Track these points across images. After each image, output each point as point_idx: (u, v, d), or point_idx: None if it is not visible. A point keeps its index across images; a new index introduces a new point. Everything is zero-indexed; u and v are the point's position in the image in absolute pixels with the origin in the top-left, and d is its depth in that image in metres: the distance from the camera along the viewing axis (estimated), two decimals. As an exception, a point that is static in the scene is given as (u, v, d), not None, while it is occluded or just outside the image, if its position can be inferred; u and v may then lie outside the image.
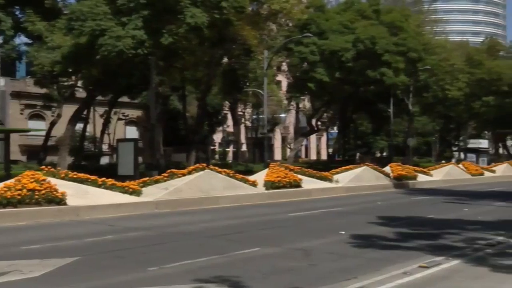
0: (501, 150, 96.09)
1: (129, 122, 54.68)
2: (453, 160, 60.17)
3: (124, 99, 45.73)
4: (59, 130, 38.36)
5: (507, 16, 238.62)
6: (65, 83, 38.21)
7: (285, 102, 61.42)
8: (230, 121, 59.76)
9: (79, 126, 40.75)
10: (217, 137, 65.19)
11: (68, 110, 38.21)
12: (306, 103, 65.79)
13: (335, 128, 72.14)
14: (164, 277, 9.38)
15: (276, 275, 9.64)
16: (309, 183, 27.44)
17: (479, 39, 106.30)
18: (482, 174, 44.87)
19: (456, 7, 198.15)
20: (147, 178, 22.28)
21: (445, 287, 8.77)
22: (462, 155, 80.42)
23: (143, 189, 20.72)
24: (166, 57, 32.45)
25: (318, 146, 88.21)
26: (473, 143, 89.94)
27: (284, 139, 78.95)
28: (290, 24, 44.66)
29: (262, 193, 24.25)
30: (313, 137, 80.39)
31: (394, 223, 16.58)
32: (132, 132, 54.96)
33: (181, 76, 40.66)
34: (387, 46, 41.67)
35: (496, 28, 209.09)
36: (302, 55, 41.58)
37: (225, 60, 42.99)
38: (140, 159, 34.21)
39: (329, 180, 29.49)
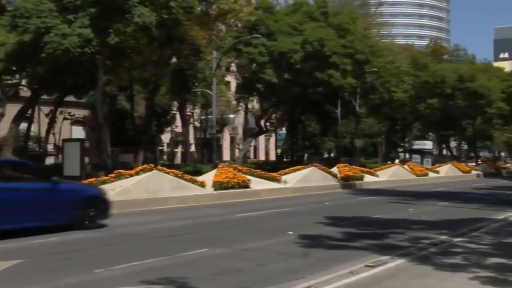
0: (445, 151, 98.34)
1: (76, 122, 53.69)
2: (396, 161, 61.26)
3: (71, 98, 44.93)
4: (3, 129, 37.39)
5: (451, 21, 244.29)
6: (9, 82, 37.28)
7: (234, 102, 61.45)
8: (178, 122, 59.45)
9: (24, 125, 39.84)
10: (166, 137, 64.71)
11: (12, 109, 37.26)
12: (255, 104, 65.98)
13: (284, 129, 72.57)
14: (110, 279, 9.26)
15: (224, 275, 9.64)
16: (258, 184, 27.52)
17: (424, 42, 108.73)
18: (426, 174, 45.83)
19: (401, 11, 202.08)
20: (94, 179, 21.96)
21: (390, 286, 8.92)
22: (407, 156, 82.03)
23: (90, 190, 20.40)
24: (113, 56, 32.05)
25: (267, 146, 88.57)
26: (418, 144, 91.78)
27: (232, 140, 78.99)
28: (239, 25, 44.70)
29: (210, 194, 24.21)
30: (261, 138, 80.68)
31: (342, 223, 16.78)
32: (79, 132, 53.98)
33: (129, 76, 40.22)
34: (335, 48, 42.16)
35: (440, 32, 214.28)
36: (251, 56, 41.70)
37: (174, 60, 42.73)
38: (86, 159, 33.67)
39: (278, 180, 29.64)
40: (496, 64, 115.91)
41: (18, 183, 14.11)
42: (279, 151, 68.03)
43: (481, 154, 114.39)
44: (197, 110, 62.04)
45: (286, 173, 31.08)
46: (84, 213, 15.02)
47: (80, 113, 53.07)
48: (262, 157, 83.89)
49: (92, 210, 15.23)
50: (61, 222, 14.53)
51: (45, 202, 14.25)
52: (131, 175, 22.01)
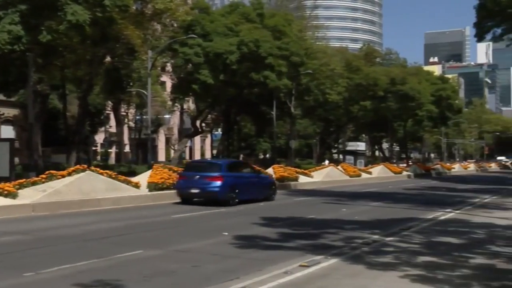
0: (377, 153, 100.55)
1: (5, 121, 52.22)
2: (326, 162, 62.07)
3: (0, 97, 43.70)
4: None
5: (384, 25, 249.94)
6: None
7: (169, 103, 61.08)
8: (113, 121, 58.62)
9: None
10: (99, 137, 63.70)
11: None
12: (190, 104, 65.72)
13: (220, 129, 72.56)
14: (41, 282, 9.03)
15: (158, 277, 9.56)
16: (193, 185, 27.38)
17: (358, 45, 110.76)
18: (359, 175, 46.63)
19: (336, 14, 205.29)
20: (24, 179, 21.35)
21: (323, 285, 9.03)
22: (341, 157, 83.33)
23: (19, 191, 19.85)
24: (45, 54, 31.30)
25: (203, 147, 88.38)
26: (352, 146, 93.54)
27: (168, 140, 78.46)
28: (175, 25, 44.40)
29: (145, 195, 23.93)
30: (197, 139, 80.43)
31: (276, 224, 16.89)
32: (8, 131, 52.45)
33: (61, 74, 39.37)
34: (271, 49, 42.42)
35: (373, 36, 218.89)
36: (187, 57, 41.48)
37: (108, 59, 42.09)
38: (16, 160, 32.78)
39: (213, 181, 29.56)
40: (426, 68, 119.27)
41: (247, 173, 25.63)
42: (215, 152, 67.99)
43: (412, 155, 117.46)
44: (132, 110, 61.34)
45: (221, 174, 31.00)
46: (270, 192, 26.01)
47: (10, 112, 51.68)
48: (198, 157, 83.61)
49: (272, 190, 26.30)
50: (263, 197, 25.05)
51: (258, 184, 25.37)
52: (63, 176, 21.51)
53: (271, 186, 26.38)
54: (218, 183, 22.71)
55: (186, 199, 23.48)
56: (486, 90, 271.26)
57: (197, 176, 23.16)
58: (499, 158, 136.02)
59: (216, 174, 23.16)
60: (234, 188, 23.03)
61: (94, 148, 63.43)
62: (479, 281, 9.36)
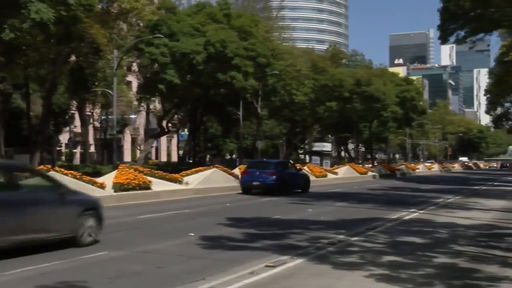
0: (343, 153, 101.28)
1: (-34, 121, 51.18)
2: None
3: (-39, 96, 42.83)
4: None
5: (349, 26, 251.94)
6: None
7: (135, 103, 60.63)
8: (77, 121, 57.91)
9: None
10: (64, 137, 62.93)
11: None
12: (156, 105, 65.34)
13: (186, 130, 72.32)
14: (2, 285, 8.87)
15: (122, 279, 9.48)
16: (159, 185, 27.24)
17: (324, 47, 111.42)
18: (325, 176, 46.90)
19: (302, 15, 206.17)
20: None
21: (289, 285, 9.07)
22: (307, 158, 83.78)
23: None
24: (7, 52, 30.79)
25: (169, 147, 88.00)
26: (318, 146, 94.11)
27: (134, 141, 77.90)
28: (141, 24, 44.15)
29: (110, 196, 23.71)
30: (163, 139, 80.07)
31: (242, 224, 16.89)
32: (-30, 131, 51.46)
33: (24, 73, 38.84)
34: (237, 50, 42.44)
35: (339, 37, 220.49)
36: (153, 56, 41.27)
37: (73, 58, 41.63)
38: (-22, 160, 32.09)
39: (179, 182, 29.46)
40: (392, 69, 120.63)
41: (292, 171, 32.64)
42: (181, 152, 67.71)
43: (377, 156, 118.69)
44: (97, 110, 60.72)
45: (188, 175, 30.94)
46: (306, 186, 32.66)
47: (-28, 111, 50.64)
48: (164, 158, 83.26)
49: (307, 184, 32.98)
50: (301, 189, 31.50)
51: (298, 179, 32.06)
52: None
53: (307, 181, 33.35)
54: (274, 177, 29.59)
55: (247, 190, 30.23)
56: (449, 92, 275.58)
57: (257, 172, 30.19)
58: (461, 158, 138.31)
59: (271, 170, 30.30)
60: (284, 182, 29.85)
61: (58, 149, 62.62)
62: (441, 280, 9.49)
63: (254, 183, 29.90)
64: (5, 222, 10.27)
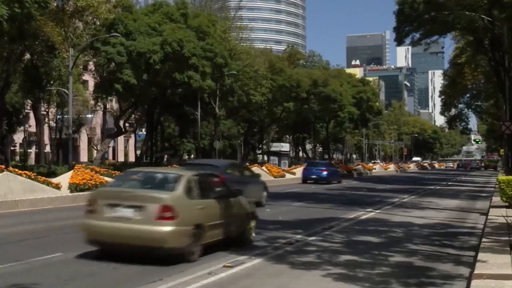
0: (301, 153, 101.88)
1: None
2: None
3: None
4: None
5: (307, 27, 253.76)
6: None
7: (92, 102, 59.83)
8: (32, 121, 56.84)
9: None
10: (18, 137, 61.71)
11: None
12: (113, 104, 64.62)
13: (143, 129, 71.70)
14: (-47, 288, 8.66)
15: (77, 280, 9.34)
16: (115, 186, 26.95)
17: (282, 47, 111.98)
18: (283, 176, 47.05)
19: (260, 16, 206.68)
20: None
21: (247, 285, 9.08)
22: (265, 158, 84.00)
23: None
24: (-41, 50, 30.10)
25: (126, 147, 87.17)
26: (276, 147, 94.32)
27: (90, 140, 76.89)
28: (97, 23, 43.59)
29: (66, 196, 23.35)
30: (121, 139, 79.28)
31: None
32: None
33: (-24, 72, 37.92)
34: (195, 50, 42.23)
35: (296, 38, 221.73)
36: (109, 56, 40.70)
37: (27, 56, 40.85)
38: None
39: (136, 182, 29.18)
40: (349, 70, 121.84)
41: (333, 167, 50.12)
42: (138, 152, 67.09)
43: (334, 156, 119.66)
44: (53, 109, 59.71)
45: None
46: (340, 179, 46.88)
47: None
48: (121, 158, 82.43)
49: (340, 178, 47.45)
50: (337, 181, 44.95)
51: (337, 174, 47.29)
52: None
53: (340, 175, 48.15)
54: (325, 172, 44.31)
55: (305, 181, 43.82)
56: (405, 93, 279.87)
57: (314, 169, 45.08)
58: (414, 159, 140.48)
59: (324, 167, 45.87)
60: (331, 175, 44.43)
61: (12, 148, 61.35)
62: (397, 278, 9.63)
63: (312, 176, 43.92)
64: (244, 190, 14.83)
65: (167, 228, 10.37)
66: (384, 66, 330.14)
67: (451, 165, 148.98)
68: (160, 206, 10.43)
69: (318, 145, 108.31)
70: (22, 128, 58.61)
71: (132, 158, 77.18)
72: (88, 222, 11.00)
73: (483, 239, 12.92)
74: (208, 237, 11.38)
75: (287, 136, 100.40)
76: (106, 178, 26.53)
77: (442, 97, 67.39)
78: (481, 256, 10.48)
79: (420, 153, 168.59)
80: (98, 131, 74.37)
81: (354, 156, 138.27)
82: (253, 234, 13.52)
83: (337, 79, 79.97)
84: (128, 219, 10.50)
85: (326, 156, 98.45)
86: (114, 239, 10.67)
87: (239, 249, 12.29)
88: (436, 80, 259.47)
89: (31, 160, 63.59)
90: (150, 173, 12.70)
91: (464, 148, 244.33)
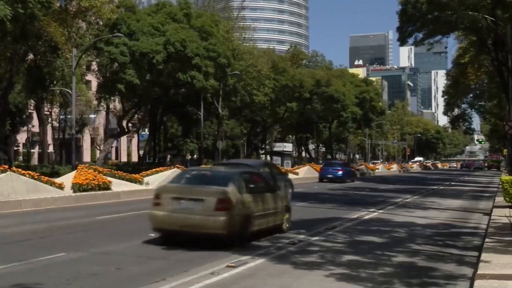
0: (303, 154, 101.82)
1: None
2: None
3: None
4: None
5: (310, 27, 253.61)
6: None
7: (95, 102, 59.88)
8: (35, 121, 56.91)
9: None
10: (21, 137, 61.78)
11: None
12: (116, 104, 64.68)
13: (146, 129, 71.76)
14: (-44, 288, 8.68)
15: (80, 280, 9.34)
16: (119, 186, 26.97)
17: (284, 47, 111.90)
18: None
19: (263, 16, 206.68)
20: None
21: (249, 285, 9.09)
22: (268, 158, 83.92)
23: None
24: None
25: (129, 147, 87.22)
26: (279, 147, 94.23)
27: (93, 141, 76.95)
28: (100, 23, 43.65)
29: (69, 196, 23.38)
30: (124, 139, 79.32)
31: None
32: None
33: (-20, 72, 38.00)
34: (198, 50, 42.27)
35: (299, 38, 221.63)
36: (112, 56, 40.76)
37: (31, 56, 40.91)
38: None
39: (140, 182, 29.21)
40: (351, 70, 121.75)
41: (348, 167, 53.22)
42: (141, 152, 67.15)
43: (337, 156, 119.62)
44: (56, 110, 59.77)
45: (148, 175, 30.69)
46: (354, 178, 50.33)
47: None
48: (124, 158, 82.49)
49: (354, 177, 51.44)
50: (351, 180, 47.45)
51: (352, 173, 51.19)
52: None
53: (355, 174, 53.29)
54: (341, 172, 46.95)
55: (322, 179, 46.68)
56: (408, 93, 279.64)
57: (330, 169, 47.90)
58: (416, 159, 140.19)
59: (340, 167, 48.50)
60: (346, 174, 47.28)
61: (15, 148, 61.43)
62: (400, 278, 9.63)
63: (328, 176, 46.54)
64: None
65: (223, 217, 12.25)
66: (387, 66, 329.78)
67: (455, 165, 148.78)
68: (217, 199, 12.38)
69: (321, 145, 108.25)
70: (25, 128, 58.66)
71: (135, 158, 77.27)
72: (155, 213, 12.92)
73: (486, 239, 12.90)
74: (255, 225, 13.35)
75: (290, 136, 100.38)
76: (109, 178, 26.58)
77: (445, 97, 67.30)
78: (484, 256, 10.47)
79: (423, 153, 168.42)
80: (101, 131, 74.44)
81: (357, 156, 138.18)
82: (287, 225, 15.38)
83: (340, 79, 79.95)
84: (190, 210, 12.43)
85: (329, 156, 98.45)
86: (178, 227, 12.54)
87: (242, 249, 12.30)
88: (439, 80, 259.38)
89: (34, 160, 63.66)
90: (204, 171, 15.42)
91: (467, 148, 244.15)
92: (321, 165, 53.14)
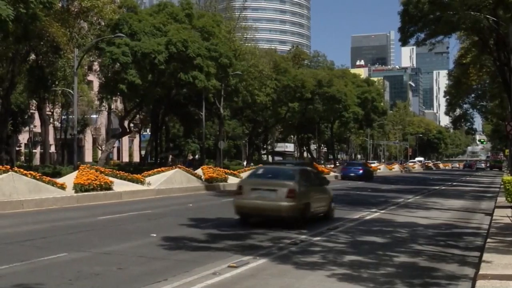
0: (305, 154, 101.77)
1: None
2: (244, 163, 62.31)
3: None
4: None
5: (312, 27, 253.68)
6: None
7: (97, 102, 59.92)
8: (37, 121, 56.98)
9: None
10: (23, 137, 61.86)
11: None
12: (118, 104, 64.70)
13: (148, 130, 71.77)
14: (-42, 288, 8.69)
15: (82, 280, 9.34)
16: (121, 186, 26.99)
17: (286, 47, 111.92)
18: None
19: (264, 16, 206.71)
20: None
21: (251, 285, 9.08)
22: (270, 158, 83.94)
23: None
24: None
25: (131, 148, 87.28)
26: (280, 147, 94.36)
27: (95, 141, 77.02)
28: (102, 23, 43.66)
29: (71, 196, 23.40)
30: (125, 139, 79.40)
31: (205, 225, 16.83)
32: None
33: (-19, 72, 38.04)
34: (199, 50, 42.26)
35: (301, 38, 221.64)
36: (114, 56, 40.73)
37: (32, 56, 40.94)
38: None
39: (141, 182, 29.23)
40: (353, 70, 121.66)
41: (367, 166, 59.11)
42: (143, 152, 67.17)
43: (339, 156, 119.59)
44: (58, 110, 59.83)
45: (150, 175, 30.72)
46: (373, 176, 55.47)
47: None
48: (126, 158, 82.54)
49: (372, 175, 55.49)
50: (368, 180, 50.33)
51: (369, 172, 54.96)
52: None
53: (372, 173, 57.29)
54: (361, 171, 52.40)
55: (344, 178, 50.66)
56: (410, 93, 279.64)
57: (352, 168, 53.69)
58: (416, 159, 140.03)
59: (360, 167, 54.58)
60: (365, 173, 52.36)
61: (17, 149, 61.52)
62: (402, 279, 9.62)
63: (351, 174, 51.28)
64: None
65: (291, 203, 16.05)
66: (389, 66, 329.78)
67: (457, 166, 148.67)
68: (288, 190, 16.19)
69: (322, 145, 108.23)
70: (27, 128, 58.74)
71: (136, 158, 77.31)
72: (239, 201, 16.99)
73: (488, 240, 12.89)
74: (311, 211, 17.15)
75: (292, 136, 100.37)
76: (111, 179, 26.60)
77: (447, 97, 67.24)
78: (486, 256, 10.46)
79: (425, 153, 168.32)
80: (103, 131, 74.47)
81: (359, 156, 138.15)
82: (332, 212, 19.27)
83: (342, 79, 79.89)
84: (266, 197, 16.36)
85: (331, 157, 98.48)
86: (256, 211, 16.76)
87: (244, 249, 12.30)
88: (441, 80, 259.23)
89: (36, 161, 63.72)
90: (271, 169, 20.08)
91: (469, 148, 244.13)
92: (343, 165, 60.94)
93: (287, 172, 18.01)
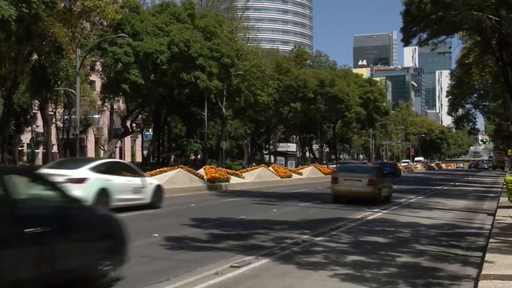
0: (307, 154, 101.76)
1: None
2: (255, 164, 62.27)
3: None
4: None
5: (314, 27, 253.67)
6: None
7: (99, 102, 59.98)
8: (40, 121, 57.05)
9: None
10: (26, 137, 61.93)
11: None
12: (120, 104, 64.75)
13: (150, 130, 71.84)
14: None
15: (85, 280, 9.33)
16: (122, 186, 26.93)
17: (288, 47, 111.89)
18: (290, 176, 47.02)
19: (267, 16, 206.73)
20: None
21: (253, 285, 9.07)
22: (272, 158, 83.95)
23: None
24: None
25: (133, 148, 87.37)
26: (282, 147, 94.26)
27: (97, 141, 77.08)
28: (104, 23, 43.71)
29: (72, 197, 23.37)
30: (128, 139, 79.45)
31: (207, 225, 16.81)
32: None
33: (-16, 72, 38.06)
34: (201, 50, 42.30)
35: (303, 38, 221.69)
36: (116, 56, 40.79)
37: (35, 57, 40.97)
38: None
39: (143, 182, 29.17)
40: (355, 70, 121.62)
41: (396, 168, 65.00)
42: (145, 152, 67.23)
43: (341, 156, 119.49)
44: (60, 110, 59.91)
45: (152, 175, 30.66)
46: (394, 175, 56.00)
47: None
48: (128, 158, 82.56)
49: (387, 176, 43.23)
50: (400, 176, 61.11)
51: (398, 171, 63.35)
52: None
53: (400, 173, 62.30)
54: (392, 169, 56.46)
55: None
56: (412, 93, 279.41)
57: (384, 167, 50.20)
58: (417, 159, 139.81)
59: (391, 167, 59.47)
60: (395, 171, 56.48)
61: (20, 149, 61.59)
62: (405, 279, 9.61)
63: None
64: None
65: (371, 188, 24.70)
66: (391, 66, 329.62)
67: (462, 165, 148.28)
68: (368, 180, 24.79)
69: (325, 145, 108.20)
70: (29, 128, 58.83)
71: (139, 158, 77.35)
72: (335, 187, 25.52)
73: (491, 240, 12.87)
74: (382, 195, 25.52)
75: (294, 136, 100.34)
76: (113, 178, 26.54)
77: (449, 97, 67.26)
78: (488, 256, 10.44)
79: (427, 153, 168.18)
80: (105, 131, 74.55)
81: (361, 156, 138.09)
82: (391, 197, 27.20)
83: (344, 79, 79.90)
84: (354, 184, 24.97)
85: (333, 157, 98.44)
86: (348, 194, 25.25)
87: (246, 249, 12.30)
88: (443, 80, 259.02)
89: (39, 160, 63.78)
90: (356, 165, 32.98)
91: (472, 148, 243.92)
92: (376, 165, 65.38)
93: (367, 168, 28.81)
